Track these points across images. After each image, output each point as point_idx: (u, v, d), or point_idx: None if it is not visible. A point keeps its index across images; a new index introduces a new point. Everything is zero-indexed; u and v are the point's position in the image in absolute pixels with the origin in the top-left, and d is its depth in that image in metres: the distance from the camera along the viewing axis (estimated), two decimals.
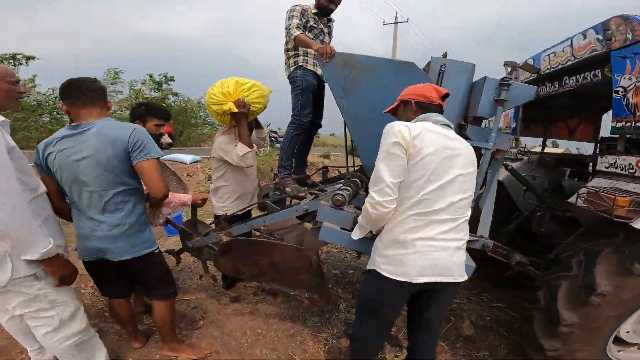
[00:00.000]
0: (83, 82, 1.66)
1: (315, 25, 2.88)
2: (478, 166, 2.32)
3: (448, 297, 1.63)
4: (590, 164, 3.15)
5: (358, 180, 2.16)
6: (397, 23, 20.12)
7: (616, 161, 2.11)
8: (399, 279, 1.42)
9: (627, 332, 1.91)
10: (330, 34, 3.06)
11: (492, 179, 2.30)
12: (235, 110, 2.43)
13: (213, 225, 2.55)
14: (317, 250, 2.01)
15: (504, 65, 2.60)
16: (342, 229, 1.78)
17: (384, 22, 21.33)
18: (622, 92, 2.07)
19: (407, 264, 1.41)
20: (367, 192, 2.03)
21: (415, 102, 1.61)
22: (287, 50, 2.93)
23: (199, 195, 2.40)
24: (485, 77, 2.14)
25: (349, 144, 2.73)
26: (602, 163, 2.21)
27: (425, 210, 1.42)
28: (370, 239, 1.65)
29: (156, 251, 1.93)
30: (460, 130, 2.27)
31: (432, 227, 1.42)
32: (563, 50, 2.55)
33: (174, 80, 15.94)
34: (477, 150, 2.67)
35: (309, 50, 2.80)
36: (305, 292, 1.99)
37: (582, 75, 2.54)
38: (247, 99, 2.48)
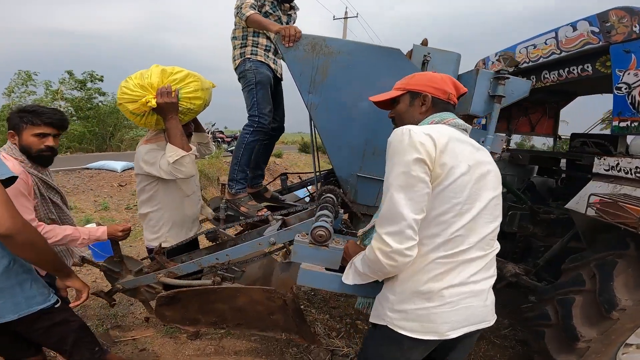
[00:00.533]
0: None
1: (272, 12, 2.35)
2: None
3: (474, 340, 1.25)
4: (562, 160, 3.07)
5: (333, 197, 1.70)
6: (347, 18, 20.17)
7: (619, 164, 1.89)
8: (426, 337, 1.05)
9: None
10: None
11: None
12: (154, 105, 1.77)
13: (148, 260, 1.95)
14: (291, 286, 1.57)
15: (502, 57, 2.29)
16: (326, 269, 1.33)
17: (334, 17, 21.37)
18: (625, 89, 1.89)
19: (436, 320, 1.04)
20: (344, 209, 1.58)
21: (433, 98, 1.17)
22: (234, 38, 2.41)
23: (116, 226, 1.75)
24: (477, 69, 1.81)
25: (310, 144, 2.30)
26: (601, 165, 1.99)
27: (453, 251, 1.02)
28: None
29: (53, 306, 1.45)
30: None
31: (461, 269, 1.04)
32: (546, 43, 2.36)
33: (102, 80, 14.24)
34: None
35: (260, 40, 2.33)
36: (281, 332, 1.57)
37: (568, 69, 2.34)
38: (180, 93, 1.86)
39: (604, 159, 1.97)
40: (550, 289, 1.99)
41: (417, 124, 1.13)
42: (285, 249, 1.68)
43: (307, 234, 1.33)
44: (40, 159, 1.61)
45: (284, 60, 1.87)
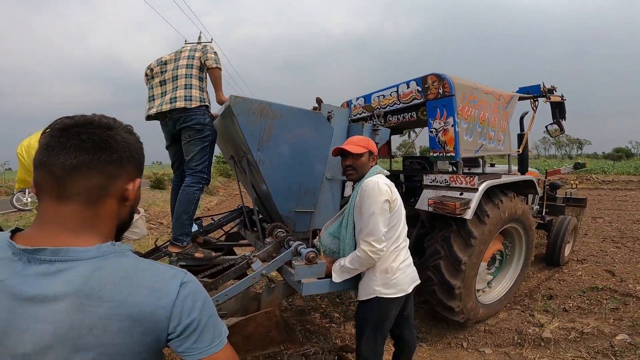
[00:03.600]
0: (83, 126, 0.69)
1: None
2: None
3: (412, 295, 2.10)
4: (401, 176, 4.16)
5: (283, 230, 2.18)
6: (200, 43, 18.60)
7: (435, 178, 3.05)
8: (399, 295, 1.82)
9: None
10: None
11: None
12: None
13: None
14: (277, 304, 1.99)
15: (365, 109, 3.16)
16: (318, 278, 1.91)
17: (185, 40, 19.18)
18: (435, 132, 2.99)
19: (400, 283, 1.83)
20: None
21: (376, 156, 1.96)
22: (190, 76, 2.41)
23: None
24: (363, 123, 2.60)
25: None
26: (427, 179, 3.13)
27: (399, 244, 1.85)
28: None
29: None
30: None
31: (402, 252, 1.87)
32: (390, 95, 3.35)
33: None
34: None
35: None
36: (278, 345, 1.94)
37: (403, 115, 3.44)
38: None
39: (429, 175, 3.12)
40: (424, 261, 2.89)
41: (366, 172, 1.90)
42: (267, 277, 2.08)
43: (301, 259, 1.85)
44: None
45: (238, 122, 2.10)
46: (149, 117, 2.49)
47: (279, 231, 2.16)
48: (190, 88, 2.36)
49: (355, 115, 3.91)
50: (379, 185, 1.75)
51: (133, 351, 0.65)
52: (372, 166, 1.94)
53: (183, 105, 2.30)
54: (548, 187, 5.18)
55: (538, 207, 4.93)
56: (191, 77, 2.40)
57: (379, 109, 3.49)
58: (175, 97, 2.33)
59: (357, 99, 3.78)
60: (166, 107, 2.33)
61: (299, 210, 2.35)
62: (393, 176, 4.17)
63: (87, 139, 0.67)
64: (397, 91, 3.28)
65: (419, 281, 1.97)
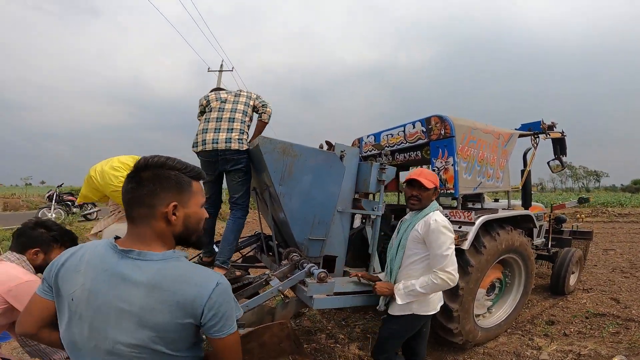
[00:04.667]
0: (158, 161, 1.03)
1: None
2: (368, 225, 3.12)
3: None
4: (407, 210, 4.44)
5: (297, 254, 2.49)
6: (222, 71, 19.63)
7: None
8: (430, 313, 2.16)
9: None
10: None
11: (377, 233, 3.09)
12: None
13: None
14: (289, 317, 2.26)
15: (374, 147, 3.49)
16: (327, 295, 2.24)
17: (208, 68, 19.93)
18: (437, 170, 3.27)
19: (432, 303, 2.17)
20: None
21: (438, 192, 2.28)
22: (238, 121, 2.75)
23: None
24: (372, 162, 2.92)
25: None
26: None
27: None
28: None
29: None
30: (356, 203, 2.97)
31: None
32: (398, 134, 3.67)
33: None
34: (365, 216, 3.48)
35: None
36: (288, 356, 2.19)
37: (409, 154, 3.76)
38: None
39: None
40: None
41: (428, 205, 2.18)
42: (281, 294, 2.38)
43: (314, 278, 2.16)
44: None
45: (265, 160, 2.43)
46: (201, 152, 2.72)
47: (294, 255, 2.46)
48: (243, 133, 2.73)
49: (365, 152, 4.23)
50: (448, 224, 2.07)
51: (179, 329, 0.96)
52: (432, 201, 2.21)
53: (237, 148, 2.64)
54: (554, 220, 5.33)
55: (544, 239, 5.08)
56: (244, 123, 2.77)
57: (387, 147, 3.82)
58: (230, 139, 2.64)
59: (368, 136, 4.13)
60: (222, 145, 2.64)
61: (312, 238, 2.65)
62: (400, 210, 4.47)
63: (132, 181, 1.01)
64: (404, 131, 3.59)
65: (442, 302, 2.26)
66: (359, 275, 2.49)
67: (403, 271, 2.21)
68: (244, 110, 2.82)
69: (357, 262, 3.60)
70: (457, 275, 2.02)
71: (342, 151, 2.81)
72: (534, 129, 4.21)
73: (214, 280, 1.00)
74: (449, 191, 3.18)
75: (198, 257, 3.13)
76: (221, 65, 19.59)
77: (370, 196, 3.28)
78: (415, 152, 3.69)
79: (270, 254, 3.19)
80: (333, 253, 2.90)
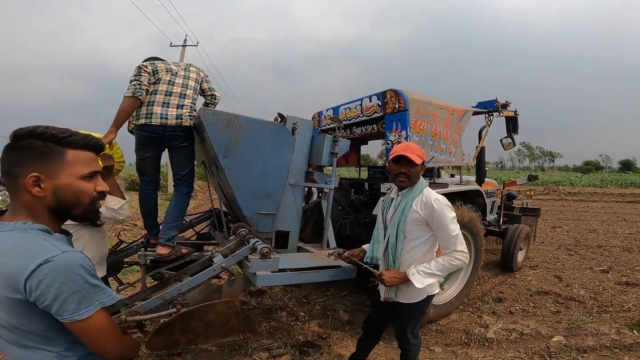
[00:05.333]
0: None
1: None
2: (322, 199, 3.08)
3: None
4: (365, 184, 4.45)
5: (245, 229, 2.40)
6: (186, 46, 18.45)
7: (391, 187, 3.31)
8: (437, 291, 2.12)
9: None
10: None
11: (330, 206, 3.06)
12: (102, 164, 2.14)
13: None
14: (237, 296, 2.19)
15: (331, 119, 3.41)
16: (272, 272, 2.14)
17: (170, 43, 18.69)
18: (390, 144, 3.26)
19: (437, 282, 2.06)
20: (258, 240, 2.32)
21: (425, 167, 2.10)
22: (186, 96, 2.65)
23: None
24: (324, 134, 2.85)
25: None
26: (384, 187, 3.42)
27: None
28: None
29: None
30: (309, 176, 2.91)
31: None
32: (355, 108, 3.62)
33: None
34: (320, 189, 3.42)
35: None
36: (238, 334, 2.14)
37: (366, 127, 3.73)
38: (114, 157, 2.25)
39: (385, 184, 3.40)
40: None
41: (416, 181, 2.04)
42: (227, 271, 2.30)
43: (256, 254, 2.07)
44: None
45: (207, 132, 2.32)
46: (145, 126, 2.51)
47: (242, 230, 2.37)
48: (193, 110, 2.62)
49: (325, 126, 4.17)
50: (449, 203, 1.97)
51: (13, 304, 0.89)
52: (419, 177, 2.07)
53: (188, 124, 2.55)
54: (505, 197, 5.56)
55: (496, 216, 5.29)
56: (194, 100, 2.68)
57: (345, 120, 3.77)
58: (181, 115, 2.54)
59: (327, 110, 4.06)
60: (172, 121, 2.51)
61: (262, 212, 2.57)
62: (359, 184, 4.49)
63: (2, 152, 0.97)
64: (361, 104, 3.55)
65: None
66: (345, 255, 2.36)
67: (405, 256, 2.04)
68: (194, 87, 2.73)
69: (317, 238, 3.57)
70: (467, 251, 1.96)
71: (294, 124, 2.72)
72: (488, 107, 4.30)
73: (44, 256, 0.88)
74: None
75: (144, 238, 2.95)
76: (185, 40, 18.55)
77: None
78: (371, 126, 3.66)
79: (224, 230, 3.09)
80: (285, 228, 2.84)
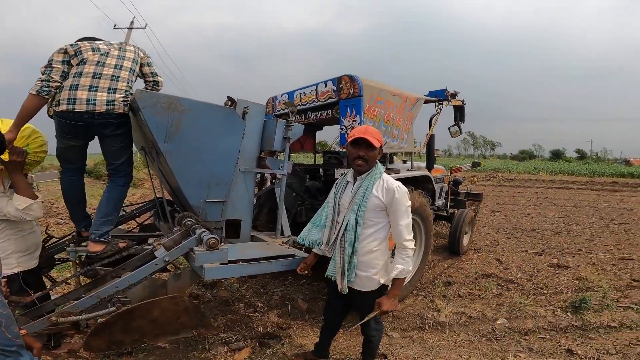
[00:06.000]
0: None
1: None
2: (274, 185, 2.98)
3: None
4: (320, 170, 4.39)
5: (192, 219, 2.23)
6: (132, 29, 16.65)
7: (345, 172, 3.30)
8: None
9: None
10: None
11: (282, 193, 2.96)
12: (7, 158, 1.83)
13: None
14: (185, 290, 2.05)
15: (285, 104, 3.27)
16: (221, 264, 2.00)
17: (115, 25, 16.98)
18: (344, 129, 3.22)
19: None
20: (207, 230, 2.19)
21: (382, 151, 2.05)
22: (120, 79, 2.31)
23: None
24: (277, 119, 2.73)
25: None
26: (338, 173, 3.39)
27: None
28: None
29: None
30: (261, 162, 2.79)
31: None
32: (310, 93, 3.52)
33: None
34: (274, 176, 3.30)
35: None
36: (190, 330, 2.01)
37: (320, 112, 3.65)
38: (29, 148, 1.91)
39: (340, 169, 3.38)
40: None
41: (373, 166, 2.00)
42: (172, 265, 2.12)
43: (202, 245, 1.91)
44: None
45: (144, 116, 2.08)
46: (67, 112, 2.16)
47: (187, 220, 2.21)
48: (128, 95, 2.30)
49: (279, 111, 4.04)
50: (407, 191, 1.95)
51: None
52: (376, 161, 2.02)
53: (122, 111, 2.25)
54: (452, 183, 5.83)
55: (444, 201, 5.53)
56: (130, 83, 2.36)
57: (300, 105, 3.66)
58: (114, 101, 2.22)
59: (282, 95, 3.92)
60: (101, 108, 2.18)
61: (210, 200, 2.41)
62: (314, 170, 4.43)
63: None
64: (316, 89, 3.47)
65: None
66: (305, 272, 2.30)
67: (362, 242, 2.00)
68: (131, 68, 2.40)
69: (272, 226, 3.46)
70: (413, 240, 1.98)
71: (244, 108, 2.58)
72: (439, 96, 4.42)
73: None
74: None
75: (75, 233, 2.63)
76: (132, 22, 16.99)
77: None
78: (326, 111, 3.60)
79: (171, 220, 2.89)
80: (237, 216, 2.71)
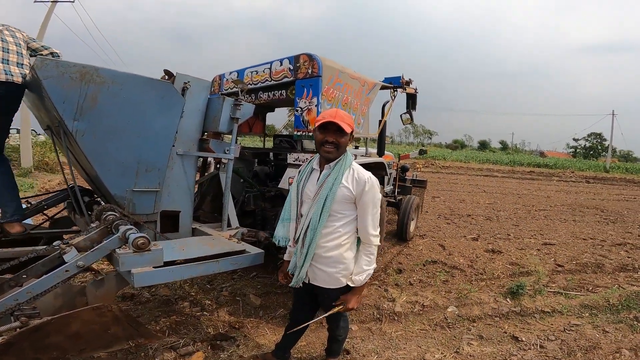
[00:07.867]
0: None
1: None
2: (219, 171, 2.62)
3: None
4: (271, 154, 4.08)
5: (115, 213, 1.80)
6: (57, 2, 13.79)
7: (299, 157, 3.06)
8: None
9: None
10: None
11: (229, 179, 2.63)
12: None
13: None
14: (112, 297, 1.66)
15: (234, 82, 2.86)
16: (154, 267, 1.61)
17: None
18: (300, 111, 2.96)
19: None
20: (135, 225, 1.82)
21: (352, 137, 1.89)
22: (20, 45, 2.24)
23: None
24: (224, 97, 2.37)
25: None
26: (291, 158, 3.11)
27: None
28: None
29: None
30: (203, 145, 2.42)
31: None
32: (263, 71, 3.17)
33: None
34: (218, 160, 2.91)
35: None
36: (126, 342, 1.64)
37: (273, 93, 3.31)
38: None
39: (292, 154, 3.11)
40: None
41: (343, 153, 1.81)
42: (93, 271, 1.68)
43: (127, 246, 1.53)
44: None
45: (45, 88, 1.69)
46: None
47: (109, 214, 1.80)
48: (18, 54, 2.18)
49: (227, 90, 3.62)
50: (377, 181, 1.80)
51: None
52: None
53: (20, 81, 2.10)
54: (400, 169, 5.86)
55: (392, 187, 5.55)
56: (18, 45, 2.24)
57: (251, 84, 3.30)
58: (11, 72, 2.08)
59: (230, 73, 3.51)
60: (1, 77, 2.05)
61: (138, 189, 2.00)
62: (263, 154, 4.11)
63: None
64: (270, 68, 3.14)
65: None
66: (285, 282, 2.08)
67: (326, 237, 1.81)
68: (17, 43, 2.27)
69: (217, 216, 3.10)
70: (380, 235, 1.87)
71: (185, 83, 2.18)
72: (394, 83, 4.32)
73: None
74: (310, 133, 2.90)
75: None
76: None
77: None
78: (280, 91, 3.27)
79: (90, 213, 2.38)
80: (175, 207, 2.33)
